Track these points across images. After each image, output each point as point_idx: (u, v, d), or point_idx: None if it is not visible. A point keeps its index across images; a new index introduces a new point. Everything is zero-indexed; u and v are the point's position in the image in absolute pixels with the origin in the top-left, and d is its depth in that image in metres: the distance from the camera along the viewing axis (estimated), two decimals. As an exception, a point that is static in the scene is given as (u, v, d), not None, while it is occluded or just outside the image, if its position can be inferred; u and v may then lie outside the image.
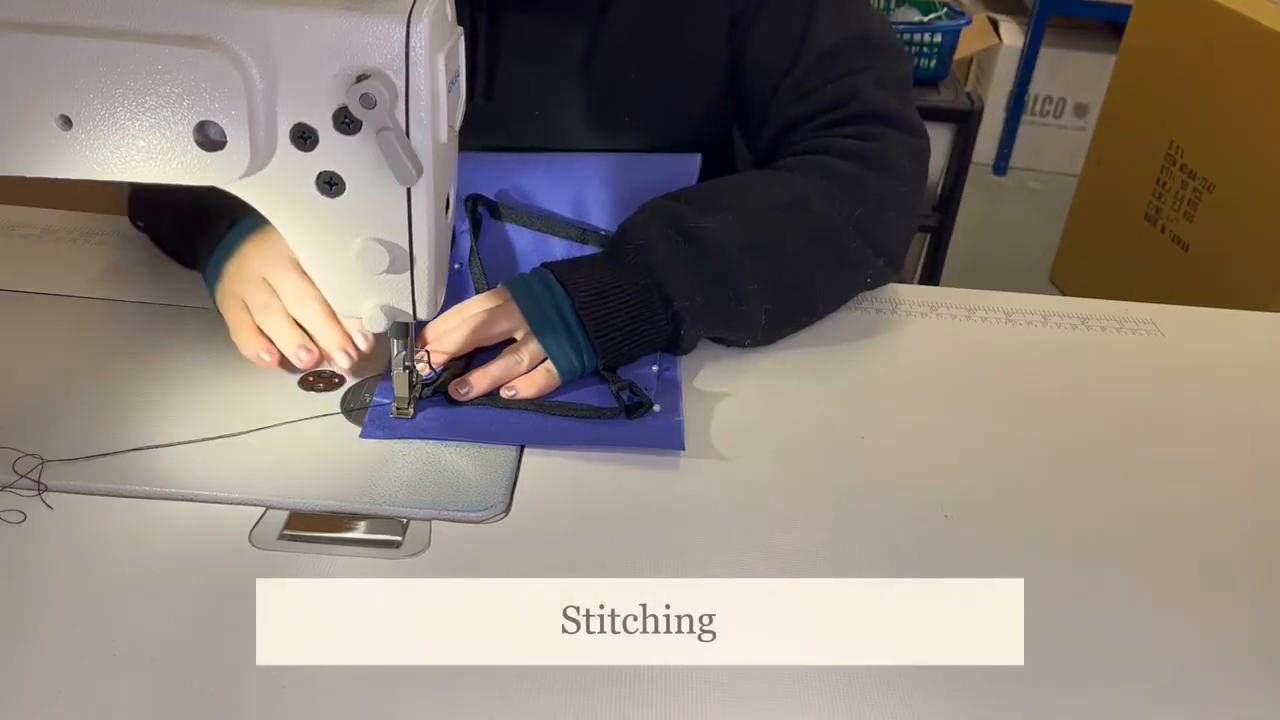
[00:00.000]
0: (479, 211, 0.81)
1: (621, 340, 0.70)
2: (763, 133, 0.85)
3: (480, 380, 0.68)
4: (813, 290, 0.77)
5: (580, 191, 0.82)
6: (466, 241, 0.79)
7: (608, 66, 0.82)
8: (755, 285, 0.72)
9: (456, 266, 0.78)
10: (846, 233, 0.76)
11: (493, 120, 0.83)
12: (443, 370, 0.69)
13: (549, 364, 0.69)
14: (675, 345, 0.73)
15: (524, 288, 0.70)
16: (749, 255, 0.72)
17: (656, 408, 0.68)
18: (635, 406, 0.68)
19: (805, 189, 0.76)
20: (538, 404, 0.68)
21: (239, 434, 0.64)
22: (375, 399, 0.68)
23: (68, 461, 0.61)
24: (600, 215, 0.81)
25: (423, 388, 0.68)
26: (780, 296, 0.74)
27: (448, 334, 0.69)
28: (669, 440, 0.66)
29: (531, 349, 0.69)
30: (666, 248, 0.71)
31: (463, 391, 0.68)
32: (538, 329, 0.69)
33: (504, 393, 0.68)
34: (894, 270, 0.81)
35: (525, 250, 0.80)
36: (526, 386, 0.68)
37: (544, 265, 0.72)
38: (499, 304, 0.70)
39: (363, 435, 0.65)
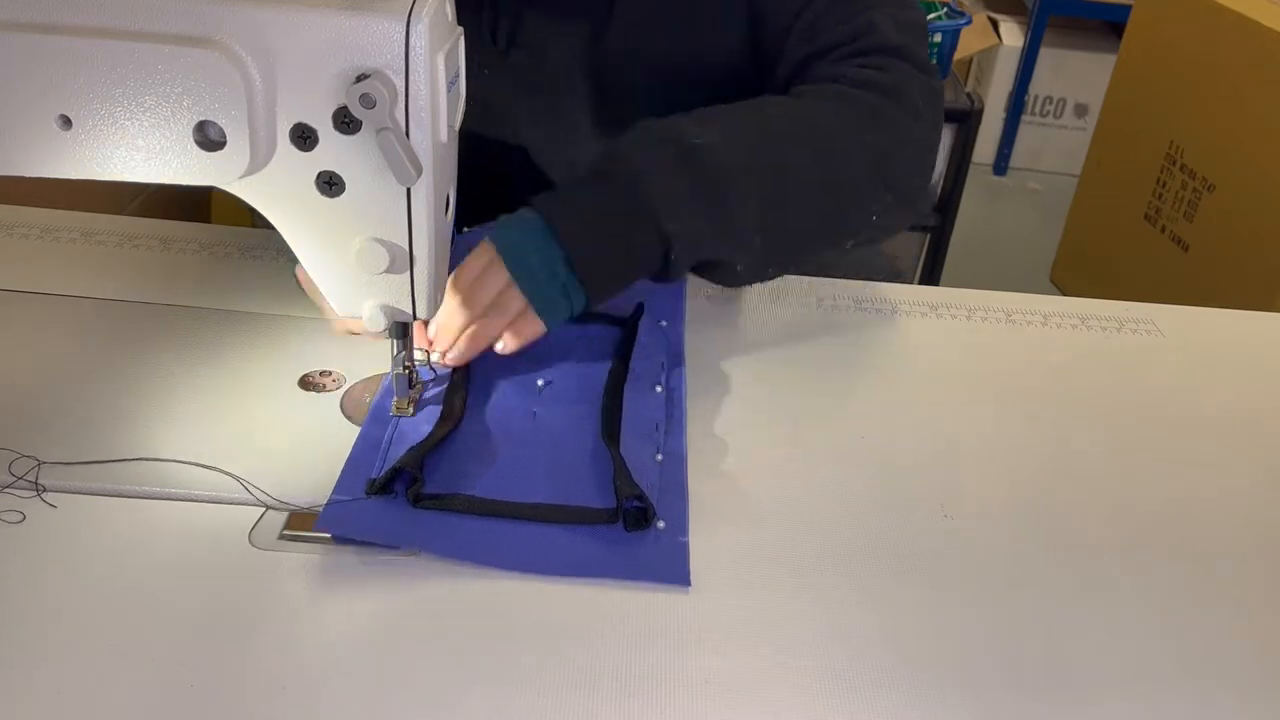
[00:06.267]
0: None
1: (607, 266, 0.66)
2: (776, 74, 0.82)
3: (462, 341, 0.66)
4: (814, 217, 0.73)
5: None
6: None
7: (625, 30, 0.80)
8: (755, 202, 0.68)
9: None
10: (855, 158, 0.73)
11: (511, 69, 0.82)
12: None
13: (531, 308, 0.66)
14: (666, 272, 0.69)
15: (502, 231, 0.67)
16: (750, 172, 0.68)
17: (661, 524, 0.59)
18: (637, 515, 0.58)
19: (814, 110, 0.74)
20: (520, 507, 0.59)
21: (236, 431, 0.64)
22: (335, 495, 0.59)
23: (65, 463, 0.61)
24: None
25: (386, 483, 0.59)
26: (780, 218, 0.70)
27: (445, 328, 0.66)
28: (672, 572, 0.56)
29: (515, 295, 0.65)
30: (663, 174, 0.67)
31: (449, 358, 0.66)
32: (515, 269, 0.65)
33: (498, 347, 0.66)
34: (904, 211, 0.77)
35: None
36: (513, 338, 0.66)
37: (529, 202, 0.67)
38: (485, 262, 0.66)
39: (317, 527, 0.57)
